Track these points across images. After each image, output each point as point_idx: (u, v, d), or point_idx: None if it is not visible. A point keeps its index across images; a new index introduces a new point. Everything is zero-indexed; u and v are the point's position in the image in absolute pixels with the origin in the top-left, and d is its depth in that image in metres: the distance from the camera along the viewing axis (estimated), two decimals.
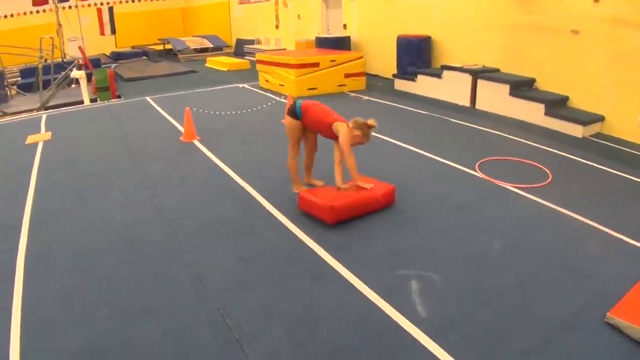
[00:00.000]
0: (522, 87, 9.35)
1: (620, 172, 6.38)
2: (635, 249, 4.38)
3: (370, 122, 4.91)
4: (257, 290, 3.81)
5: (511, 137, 7.87)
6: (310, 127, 5.32)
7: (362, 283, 3.82)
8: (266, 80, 12.76)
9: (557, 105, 8.76)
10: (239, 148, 7.46)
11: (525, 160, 6.62)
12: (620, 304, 3.44)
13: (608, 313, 3.34)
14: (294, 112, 5.29)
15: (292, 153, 5.50)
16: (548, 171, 6.19)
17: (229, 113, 9.23)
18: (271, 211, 5.18)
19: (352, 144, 4.96)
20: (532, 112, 8.83)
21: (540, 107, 8.70)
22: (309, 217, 4.95)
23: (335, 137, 5.04)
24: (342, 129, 4.95)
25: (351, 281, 3.87)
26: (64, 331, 3.41)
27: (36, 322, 3.52)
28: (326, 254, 4.28)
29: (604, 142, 7.83)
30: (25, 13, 24.94)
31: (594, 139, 7.96)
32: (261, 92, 12.37)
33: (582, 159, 6.86)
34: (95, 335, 3.35)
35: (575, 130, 8.12)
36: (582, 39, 8.42)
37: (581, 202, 5.35)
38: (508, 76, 9.66)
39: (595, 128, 8.27)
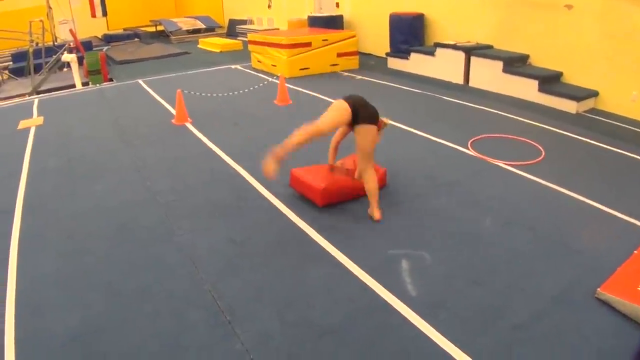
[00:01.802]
0: (515, 64, 9.30)
1: (613, 147, 6.39)
2: (627, 224, 4.40)
3: (387, 121, 4.71)
4: (249, 272, 3.82)
5: (505, 114, 7.85)
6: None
7: (353, 263, 3.84)
8: (258, 61, 12.66)
9: (550, 81, 8.74)
10: (230, 130, 7.42)
11: (518, 138, 6.61)
12: (611, 280, 3.47)
13: (598, 289, 3.37)
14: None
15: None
16: (541, 148, 6.18)
17: (220, 95, 9.18)
18: (263, 193, 5.18)
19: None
20: (525, 89, 8.81)
21: (534, 84, 8.68)
22: (300, 198, 4.95)
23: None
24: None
25: (342, 262, 3.88)
26: (58, 313, 3.44)
27: (30, 305, 3.55)
28: (317, 235, 4.28)
29: (597, 117, 7.83)
30: None
31: (588, 115, 7.96)
32: (253, 72, 12.28)
33: (576, 134, 6.86)
34: (88, 317, 3.38)
35: (569, 106, 8.11)
36: (576, 13, 8.37)
37: (573, 178, 5.36)
38: (501, 53, 9.62)
39: (589, 104, 8.26)
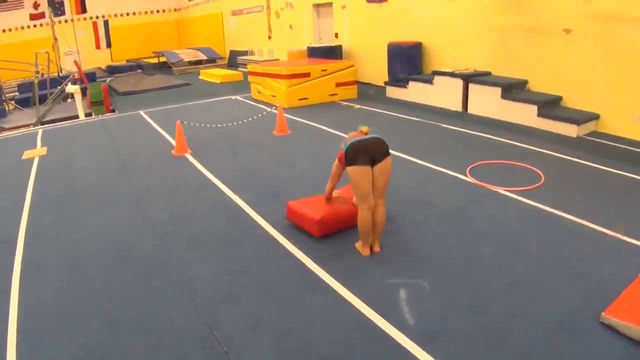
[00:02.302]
0: (514, 89, 9.35)
1: (615, 169, 6.38)
2: (630, 246, 4.36)
3: (363, 129, 4.60)
4: (247, 302, 3.79)
5: (504, 140, 7.86)
6: None
7: (350, 293, 3.80)
8: (258, 92, 12.77)
9: (550, 105, 8.77)
10: (229, 160, 7.45)
11: (517, 163, 6.60)
12: (616, 304, 3.42)
13: (603, 313, 3.32)
14: None
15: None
16: (541, 173, 6.17)
17: (220, 125, 9.23)
18: (261, 223, 5.17)
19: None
20: (524, 114, 8.83)
21: (533, 109, 8.70)
22: (298, 229, 4.93)
23: None
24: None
25: (340, 292, 3.84)
26: (58, 342, 3.44)
27: (32, 334, 3.56)
28: (315, 265, 4.25)
29: (599, 140, 7.83)
30: (22, 27, 25.11)
31: (589, 138, 7.96)
32: (253, 103, 12.39)
33: (577, 158, 6.85)
34: (88, 346, 3.37)
35: (569, 130, 8.11)
36: (574, 37, 8.44)
37: (575, 202, 5.33)
38: (499, 79, 9.67)
39: (589, 127, 8.27)
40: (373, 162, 4.25)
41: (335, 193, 5.08)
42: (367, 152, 4.24)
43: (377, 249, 4.47)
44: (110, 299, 3.94)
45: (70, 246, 4.95)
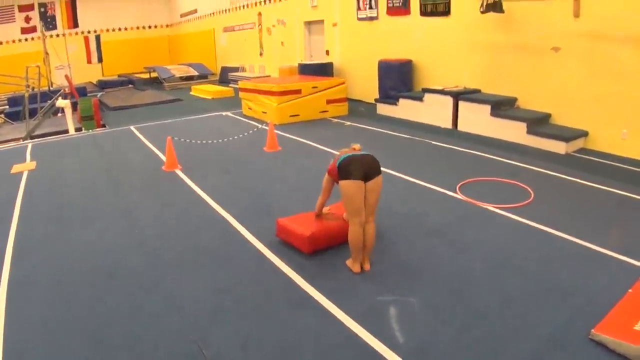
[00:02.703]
0: (503, 107, 9.42)
1: (603, 186, 6.41)
2: (621, 263, 4.37)
3: (356, 147, 4.66)
4: (236, 321, 3.75)
5: (493, 157, 7.91)
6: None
7: (340, 311, 3.77)
8: (249, 108, 12.80)
9: (539, 123, 8.83)
10: (220, 177, 7.43)
11: (506, 180, 6.63)
12: (605, 320, 3.41)
13: (593, 330, 3.32)
14: None
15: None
16: (530, 190, 6.20)
17: (211, 142, 9.22)
18: (250, 240, 5.14)
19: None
20: (514, 131, 8.89)
21: (522, 126, 8.75)
22: (288, 245, 4.91)
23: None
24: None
25: (330, 309, 3.81)
26: None
27: (16, 351, 3.51)
28: (305, 282, 4.23)
29: (587, 157, 7.89)
30: (13, 41, 25.12)
31: (577, 155, 8.02)
32: (244, 119, 12.40)
33: (565, 175, 6.89)
34: None
35: (558, 147, 8.17)
36: (563, 55, 8.53)
37: (564, 218, 5.35)
38: (489, 96, 9.75)
39: (578, 144, 8.33)
40: (366, 178, 4.25)
41: (325, 210, 5.07)
42: (361, 167, 4.25)
43: (367, 266, 4.44)
44: (97, 318, 3.88)
45: (58, 262, 4.90)
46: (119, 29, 28.09)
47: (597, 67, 8.01)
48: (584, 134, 8.36)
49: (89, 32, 26.62)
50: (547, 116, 8.98)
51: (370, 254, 4.50)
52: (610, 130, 7.97)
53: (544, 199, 5.97)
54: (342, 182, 4.30)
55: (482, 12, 9.35)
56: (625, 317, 3.44)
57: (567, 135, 8.25)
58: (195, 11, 25.32)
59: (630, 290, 3.80)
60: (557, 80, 8.72)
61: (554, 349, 3.26)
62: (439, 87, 10.63)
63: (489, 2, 9.20)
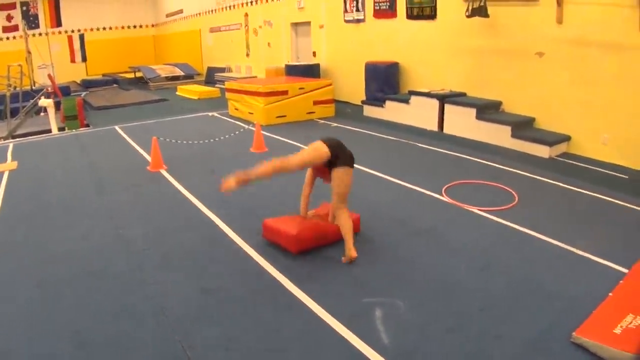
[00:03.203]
0: (488, 110, 9.49)
1: (585, 190, 6.49)
2: (602, 267, 4.42)
3: None
4: (221, 322, 3.74)
5: (478, 160, 7.97)
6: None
7: (326, 313, 3.77)
8: (235, 109, 12.76)
9: (523, 127, 8.92)
10: (205, 177, 7.39)
11: (491, 183, 6.68)
12: (586, 323, 3.45)
13: (574, 333, 3.35)
14: None
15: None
16: (514, 193, 6.25)
17: (197, 142, 9.18)
18: (236, 241, 5.13)
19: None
20: (498, 135, 8.96)
21: (507, 130, 8.83)
22: (274, 247, 4.90)
23: (323, 174, 4.84)
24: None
25: (316, 311, 3.81)
26: None
27: (1, 351, 3.46)
28: (291, 284, 4.22)
29: (570, 161, 7.98)
30: None
31: (560, 159, 8.11)
32: (231, 120, 12.36)
33: (548, 179, 6.96)
34: None
35: (542, 151, 8.26)
36: (547, 60, 8.63)
37: (547, 222, 5.40)
38: (474, 100, 9.82)
39: (561, 148, 8.42)
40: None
41: (310, 213, 5.08)
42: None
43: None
44: (80, 319, 3.84)
45: (40, 262, 4.83)
46: (104, 29, 27.84)
47: (579, 73, 8.11)
48: (567, 138, 8.45)
49: (72, 31, 26.34)
50: (531, 120, 9.06)
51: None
52: (592, 135, 8.08)
53: (527, 202, 6.02)
54: (346, 170, 4.57)
55: (468, 17, 9.41)
56: (606, 320, 3.48)
57: (551, 139, 8.34)
58: (181, 11, 25.18)
59: (610, 294, 3.84)
60: (541, 85, 8.81)
61: (537, 352, 3.30)
62: (425, 90, 10.69)
63: (474, 6, 9.27)
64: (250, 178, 4.47)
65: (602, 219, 5.60)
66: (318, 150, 4.61)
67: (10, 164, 8.83)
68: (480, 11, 9.22)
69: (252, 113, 11.83)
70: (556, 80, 8.52)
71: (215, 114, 13.37)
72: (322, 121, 11.65)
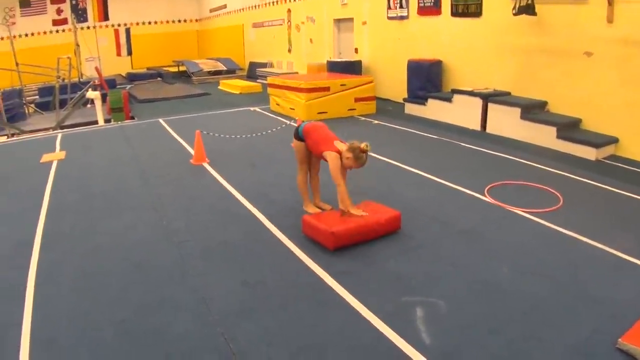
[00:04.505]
0: (533, 110, 9.31)
1: (634, 194, 6.31)
2: None
3: (363, 145, 4.86)
4: (262, 316, 3.78)
5: (522, 160, 7.82)
6: (311, 151, 5.34)
7: (366, 309, 3.78)
8: (277, 104, 12.84)
9: (569, 128, 8.72)
10: (247, 171, 7.48)
11: (535, 185, 6.56)
12: (634, 329, 3.36)
13: (620, 339, 3.27)
14: (296, 134, 5.40)
15: (299, 172, 5.61)
16: (559, 195, 6.12)
17: (239, 136, 9.28)
18: (277, 236, 5.17)
19: (344, 168, 5.01)
20: (543, 136, 8.79)
21: (552, 130, 8.65)
22: (314, 242, 4.92)
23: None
24: (329, 157, 4.96)
25: (356, 307, 3.82)
26: (71, 349, 3.44)
27: (44, 340, 3.55)
28: (331, 279, 4.24)
29: (618, 164, 7.77)
30: (45, 32, 25.60)
31: (607, 162, 7.90)
32: (272, 115, 12.45)
33: (595, 181, 6.79)
34: (100, 356, 3.36)
35: (588, 153, 8.06)
36: (595, 60, 8.41)
37: (593, 225, 5.28)
38: (519, 99, 9.64)
39: (608, 150, 8.21)
40: None
41: (353, 210, 5.07)
42: None
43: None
44: (124, 309, 3.93)
45: (86, 252, 4.97)
46: (149, 23, 28.42)
47: (629, 73, 7.87)
48: (615, 140, 8.23)
49: (119, 25, 26.93)
50: (577, 121, 8.85)
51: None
52: None
53: (573, 205, 5.89)
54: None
55: (515, 14, 9.24)
56: None
57: (598, 141, 8.13)
58: (225, 6, 25.46)
59: None
60: (589, 85, 8.59)
61: (580, 357, 3.23)
62: (469, 89, 10.55)
63: (521, 4, 9.09)
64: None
65: None
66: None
67: (59, 153, 9.11)
68: (527, 9, 9.05)
69: (293, 109, 11.89)
70: (604, 80, 8.30)
71: (257, 108, 13.48)
72: (363, 118, 11.62)
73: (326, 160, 5.02)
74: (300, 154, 5.48)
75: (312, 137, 5.23)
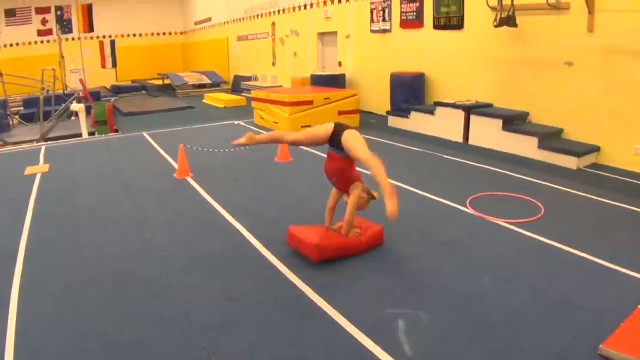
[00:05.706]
0: (515, 121, 9.43)
1: (615, 201, 6.40)
2: (629, 278, 4.36)
3: (376, 194, 4.87)
4: (244, 329, 3.77)
5: (504, 171, 7.90)
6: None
7: (348, 322, 3.78)
8: (261, 118, 12.86)
9: (550, 137, 8.84)
10: (230, 185, 7.47)
11: (517, 195, 6.62)
12: (614, 335, 3.41)
13: (601, 345, 3.31)
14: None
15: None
16: (541, 205, 6.19)
17: (222, 150, 9.27)
18: (260, 249, 5.16)
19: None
20: (525, 146, 8.89)
21: (534, 141, 8.76)
22: (297, 256, 4.92)
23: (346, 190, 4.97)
24: (356, 190, 4.87)
25: (338, 320, 3.83)
26: None
27: (28, 350, 3.55)
28: (314, 293, 4.24)
29: (599, 172, 7.89)
30: (30, 43, 25.50)
31: (589, 170, 8.02)
32: (256, 129, 12.44)
33: (576, 190, 6.88)
34: None
35: (570, 162, 8.17)
36: (576, 69, 8.55)
37: (574, 234, 5.34)
38: (501, 111, 9.77)
39: (590, 159, 8.33)
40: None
41: (336, 225, 5.09)
42: None
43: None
44: (107, 321, 3.92)
45: (69, 264, 4.94)
46: (134, 35, 28.40)
47: (610, 82, 8.02)
48: (596, 149, 8.35)
49: (104, 36, 26.89)
50: (559, 131, 8.98)
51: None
52: (623, 146, 7.98)
53: (554, 214, 5.96)
54: (349, 130, 4.79)
55: (496, 26, 9.37)
56: (634, 332, 3.44)
57: (579, 150, 8.25)
58: (210, 19, 25.53)
59: (639, 306, 3.79)
60: (570, 95, 8.73)
61: None
62: (451, 101, 10.65)
63: (502, 16, 9.23)
64: (256, 141, 4.99)
65: (632, 230, 5.51)
66: (322, 126, 4.82)
67: (43, 166, 9.05)
68: (508, 21, 9.18)
69: (277, 122, 11.91)
70: (586, 90, 8.43)
71: (241, 122, 13.48)
72: None
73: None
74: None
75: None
